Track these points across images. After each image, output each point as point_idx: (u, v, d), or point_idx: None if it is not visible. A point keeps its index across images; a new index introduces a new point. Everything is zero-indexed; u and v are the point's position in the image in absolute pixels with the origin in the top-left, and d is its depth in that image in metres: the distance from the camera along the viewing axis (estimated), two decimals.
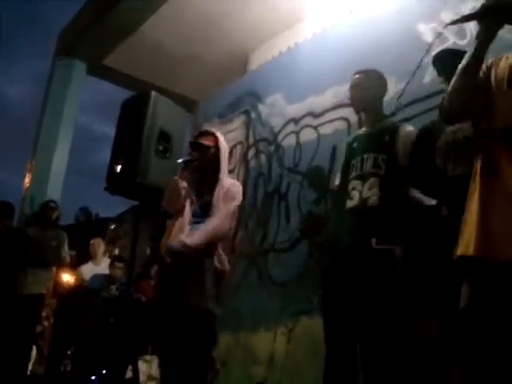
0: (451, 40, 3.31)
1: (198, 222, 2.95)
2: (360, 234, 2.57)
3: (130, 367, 5.08)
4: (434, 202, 2.50)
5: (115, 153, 3.44)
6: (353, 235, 2.60)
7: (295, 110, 4.59)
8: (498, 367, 1.52)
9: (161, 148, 3.34)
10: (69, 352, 5.67)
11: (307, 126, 4.43)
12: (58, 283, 5.94)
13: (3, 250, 5.13)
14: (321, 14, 5.37)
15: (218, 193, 2.97)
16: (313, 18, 5.53)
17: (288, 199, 4.37)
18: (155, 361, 4.47)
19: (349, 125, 3.92)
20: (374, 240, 2.51)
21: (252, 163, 4.91)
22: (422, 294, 2.55)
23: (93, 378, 5.17)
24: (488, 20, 1.61)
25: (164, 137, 3.36)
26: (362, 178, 2.67)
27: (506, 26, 1.66)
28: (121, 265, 5.68)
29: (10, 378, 4.86)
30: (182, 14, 6.10)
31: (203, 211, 2.97)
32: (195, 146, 3.09)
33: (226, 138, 3.26)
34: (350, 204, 2.67)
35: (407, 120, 3.18)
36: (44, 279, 5.43)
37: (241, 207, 3.47)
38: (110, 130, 3.93)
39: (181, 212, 2.99)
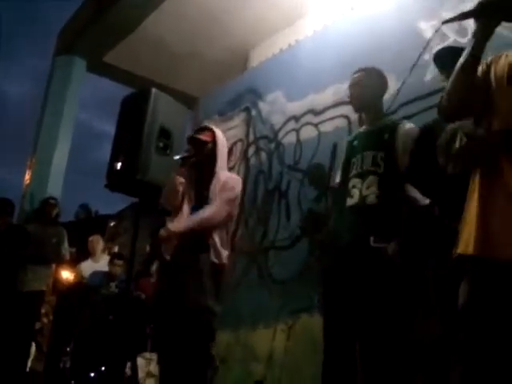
0: (452, 38, 3.31)
1: None
2: (360, 232, 2.57)
3: (128, 364, 5.08)
4: (427, 201, 2.50)
5: (115, 150, 3.43)
6: (353, 233, 2.60)
7: (296, 107, 4.58)
8: (497, 366, 1.51)
9: (161, 145, 3.33)
10: (68, 349, 5.67)
11: (308, 123, 4.42)
12: (57, 280, 5.94)
13: (3, 247, 5.13)
14: (322, 11, 5.35)
15: (215, 186, 2.96)
16: (314, 15, 5.52)
17: (288, 197, 4.37)
18: (154, 358, 4.48)
19: (349, 122, 3.91)
20: (372, 238, 2.51)
21: (252, 161, 4.91)
22: (421, 293, 2.55)
23: (92, 374, 5.17)
24: (485, 18, 1.61)
25: (164, 134, 3.35)
26: (362, 176, 2.67)
27: (507, 24, 1.66)
28: (120, 262, 5.69)
29: (9, 375, 4.86)
30: (182, 11, 6.09)
31: (201, 207, 2.96)
32: (192, 141, 3.09)
33: (226, 136, 3.26)
34: (350, 202, 2.67)
35: (408, 118, 3.17)
36: (44, 276, 5.42)
37: (241, 204, 3.46)
38: (110, 127, 3.93)
39: (179, 208, 2.98)
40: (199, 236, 2.89)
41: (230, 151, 4.79)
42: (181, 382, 2.80)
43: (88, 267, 6.01)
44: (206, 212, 2.90)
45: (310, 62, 4.53)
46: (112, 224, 9.60)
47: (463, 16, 1.65)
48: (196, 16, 6.13)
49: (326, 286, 2.71)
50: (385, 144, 2.68)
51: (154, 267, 5.73)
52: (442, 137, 2.53)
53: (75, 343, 5.50)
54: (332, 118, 4.17)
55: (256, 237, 4.53)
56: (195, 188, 3.05)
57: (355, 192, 2.66)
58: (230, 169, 4.29)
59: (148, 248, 7.72)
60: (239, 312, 4.26)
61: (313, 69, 4.45)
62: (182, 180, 2.99)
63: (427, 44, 3.03)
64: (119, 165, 3.32)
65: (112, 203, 9.29)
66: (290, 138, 4.55)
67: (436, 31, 3.19)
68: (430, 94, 3.24)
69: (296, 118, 4.55)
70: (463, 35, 3.18)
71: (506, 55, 1.74)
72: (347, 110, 3.80)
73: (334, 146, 3.94)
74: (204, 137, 3.08)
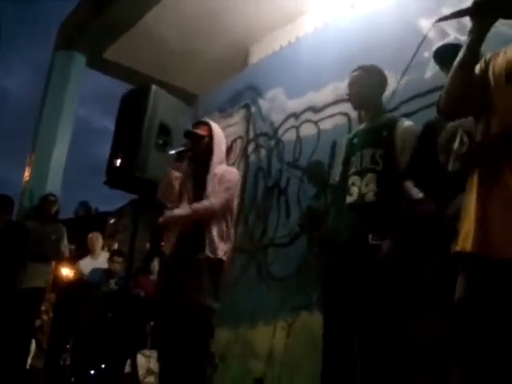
0: (452, 35, 3.30)
1: None
2: (358, 229, 2.57)
3: (128, 361, 5.08)
4: (421, 195, 2.50)
5: (115, 146, 3.42)
6: (351, 231, 2.60)
7: (295, 104, 4.57)
8: (495, 364, 1.51)
9: (160, 142, 3.33)
10: (68, 346, 5.66)
11: (307, 120, 4.42)
12: (57, 277, 5.94)
13: (2, 244, 5.13)
14: (322, 8, 5.34)
15: (212, 180, 2.96)
16: (314, 12, 5.50)
17: (288, 194, 4.37)
18: (154, 355, 4.48)
19: (349, 120, 3.91)
20: (370, 236, 2.51)
21: (252, 158, 4.90)
22: (421, 293, 2.55)
23: (92, 372, 5.17)
24: (480, 16, 1.59)
25: (164, 130, 3.35)
26: (361, 173, 2.67)
27: (504, 21, 1.64)
28: (120, 259, 5.68)
29: (9, 372, 4.86)
30: (183, 8, 6.08)
31: (199, 200, 2.96)
32: (189, 135, 3.08)
33: (225, 133, 3.25)
34: (349, 199, 2.67)
35: (408, 115, 3.17)
36: (43, 273, 5.42)
37: (240, 202, 3.45)
38: (110, 123, 3.92)
39: (178, 202, 2.98)
40: (198, 232, 2.88)
41: (230, 148, 4.80)
42: (180, 379, 2.80)
43: (87, 264, 6.00)
44: (204, 202, 2.91)
45: (310, 59, 4.53)
46: (111, 221, 9.57)
47: (458, 14, 1.64)
48: (196, 13, 6.12)
49: (324, 284, 2.71)
50: (384, 141, 2.68)
51: (154, 264, 5.73)
52: (442, 135, 2.53)
53: (75, 340, 5.50)
54: (332, 116, 4.16)
55: (255, 234, 4.54)
56: (192, 182, 3.05)
57: (354, 190, 2.66)
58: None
59: (147, 245, 7.72)
60: (238, 309, 4.26)
61: (313, 66, 4.44)
62: (177, 174, 2.99)
63: (423, 39, 3.00)
64: (118, 161, 3.32)
65: (112, 200, 9.29)
66: (290, 135, 4.54)
67: (430, 28, 3.17)
68: (430, 92, 3.24)
69: (296, 115, 4.55)
70: (463, 32, 3.16)
71: (505, 52, 1.72)
72: (347, 107, 3.79)
73: (334, 144, 3.92)
74: (200, 131, 3.07)
